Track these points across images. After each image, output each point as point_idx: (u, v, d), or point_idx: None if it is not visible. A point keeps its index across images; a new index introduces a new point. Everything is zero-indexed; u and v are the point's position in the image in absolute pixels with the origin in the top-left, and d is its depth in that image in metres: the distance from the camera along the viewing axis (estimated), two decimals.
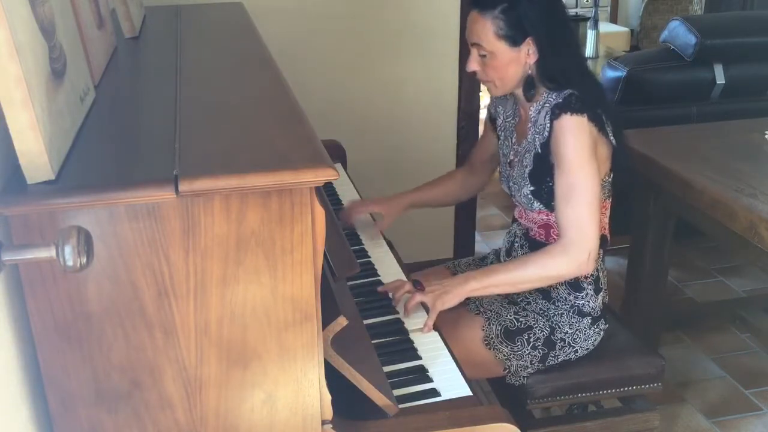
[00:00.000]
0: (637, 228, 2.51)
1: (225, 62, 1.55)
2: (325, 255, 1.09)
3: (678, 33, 3.11)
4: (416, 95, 2.92)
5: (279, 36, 2.41)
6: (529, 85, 1.69)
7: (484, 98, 5.55)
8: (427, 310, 1.60)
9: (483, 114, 3.99)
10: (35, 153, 0.88)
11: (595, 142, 1.63)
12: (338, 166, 2.27)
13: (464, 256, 2.09)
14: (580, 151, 1.59)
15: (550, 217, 1.74)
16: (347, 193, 2.15)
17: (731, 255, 3.36)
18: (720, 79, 3.11)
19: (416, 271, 1.97)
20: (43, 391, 1.02)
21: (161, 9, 2.12)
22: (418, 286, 1.64)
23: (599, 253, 1.76)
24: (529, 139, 1.72)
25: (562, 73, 1.66)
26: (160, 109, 1.20)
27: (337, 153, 2.29)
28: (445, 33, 2.87)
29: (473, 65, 1.70)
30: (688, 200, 2.15)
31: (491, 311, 1.77)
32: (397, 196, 2.03)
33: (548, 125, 1.64)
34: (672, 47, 3.16)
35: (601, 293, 1.80)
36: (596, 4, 5.11)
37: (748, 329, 2.89)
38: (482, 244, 3.56)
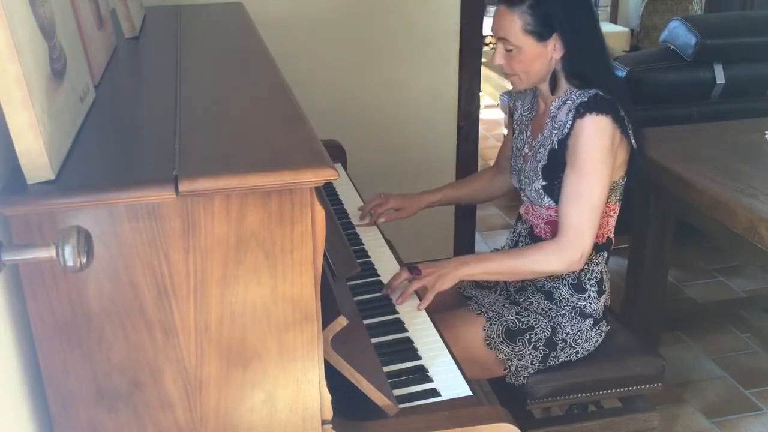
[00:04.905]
0: (637, 228, 2.51)
1: (225, 62, 1.55)
2: (325, 255, 1.09)
3: (678, 33, 3.11)
4: (416, 95, 2.92)
5: (279, 36, 2.41)
6: (554, 79, 1.70)
7: (484, 98, 5.55)
8: (420, 297, 1.63)
9: (483, 114, 3.99)
10: (35, 153, 0.88)
11: (616, 145, 1.64)
12: (338, 166, 2.27)
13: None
14: (596, 153, 1.60)
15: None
16: (347, 193, 2.15)
17: (731, 255, 3.36)
18: (720, 79, 3.11)
19: None
20: (43, 391, 1.02)
21: (161, 9, 2.12)
22: (415, 272, 1.67)
23: (604, 256, 1.77)
24: (545, 134, 1.73)
25: (588, 71, 1.67)
26: (160, 109, 1.20)
27: (337, 153, 2.29)
28: (445, 33, 2.87)
29: (499, 59, 1.70)
30: (688, 200, 2.15)
31: (492, 311, 1.76)
32: (421, 193, 2.07)
33: (570, 123, 1.64)
34: (672, 47, 3.16)
35: (604, 295, 1.80)
36: (596, 4, 5.12)
37: (748, 329, 2.89)
38: (482, 244, 3.56)
